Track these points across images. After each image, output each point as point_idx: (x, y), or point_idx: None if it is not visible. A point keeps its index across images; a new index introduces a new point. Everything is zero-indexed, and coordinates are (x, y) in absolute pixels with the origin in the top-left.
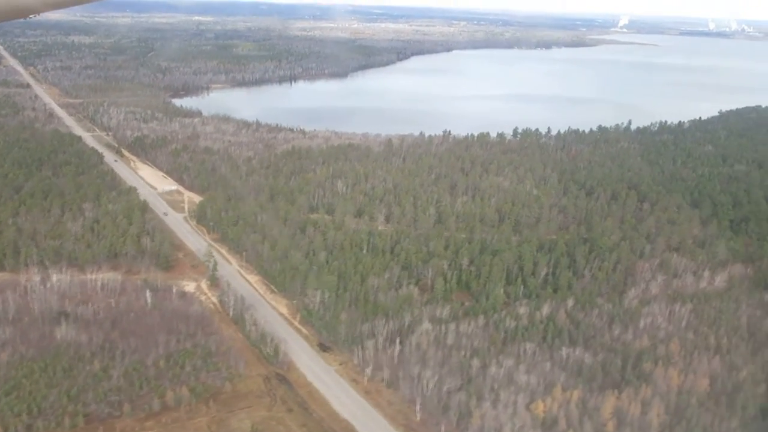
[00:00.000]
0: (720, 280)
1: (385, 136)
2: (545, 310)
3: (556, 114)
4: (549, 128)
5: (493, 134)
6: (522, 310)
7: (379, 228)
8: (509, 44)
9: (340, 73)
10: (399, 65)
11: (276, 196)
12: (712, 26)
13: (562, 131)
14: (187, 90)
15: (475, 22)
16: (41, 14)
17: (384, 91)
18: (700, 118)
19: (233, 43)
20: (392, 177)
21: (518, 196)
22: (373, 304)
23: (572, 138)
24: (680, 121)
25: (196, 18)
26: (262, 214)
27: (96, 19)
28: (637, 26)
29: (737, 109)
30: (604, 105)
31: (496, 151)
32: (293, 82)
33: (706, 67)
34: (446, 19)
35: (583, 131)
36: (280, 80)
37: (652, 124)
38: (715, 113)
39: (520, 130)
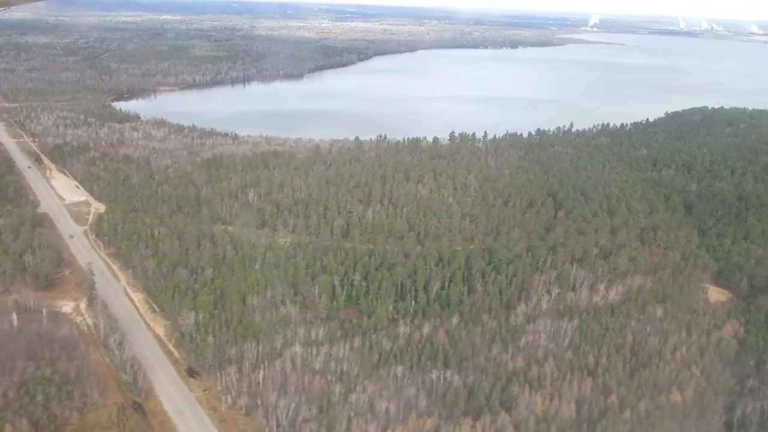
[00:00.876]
0: (615, 293)
1: (318, 141)
2: (426, 329)
3: (504, 116)
4: (485, 132)
5: (439, 137)
6: (402, 329)
7: (280, 240)
8: (476, 44)
9: (296, 75)
10: (359, 66)
11: (183, 207)
12: (682, 25)
13: (500, 135)
14: (133, 93)
15: (447, 21)
16: (8, 9)
17: (336, 93)
18: (647, 119)
19: (192, 43)
20: (308, 186)
21: (432, 205)
22: (244, 325)
23: (507, 142)
24: (622, 123)
25: (164, 17)
26: (159, 227)
27: (60, 18)
28: (608, 25)
29: (683, 110)
30: (555, 106)
31: (424, 156)
32: (246, 84)
33: (668, 67)
34: (418, 18)
35: (521, 134)
36: (233, 82)
37: (594, 126)
38: (662, 114)
39: (457, 134)
